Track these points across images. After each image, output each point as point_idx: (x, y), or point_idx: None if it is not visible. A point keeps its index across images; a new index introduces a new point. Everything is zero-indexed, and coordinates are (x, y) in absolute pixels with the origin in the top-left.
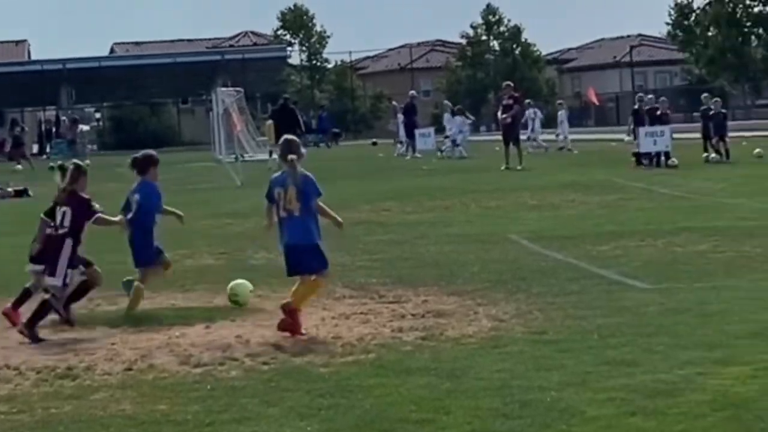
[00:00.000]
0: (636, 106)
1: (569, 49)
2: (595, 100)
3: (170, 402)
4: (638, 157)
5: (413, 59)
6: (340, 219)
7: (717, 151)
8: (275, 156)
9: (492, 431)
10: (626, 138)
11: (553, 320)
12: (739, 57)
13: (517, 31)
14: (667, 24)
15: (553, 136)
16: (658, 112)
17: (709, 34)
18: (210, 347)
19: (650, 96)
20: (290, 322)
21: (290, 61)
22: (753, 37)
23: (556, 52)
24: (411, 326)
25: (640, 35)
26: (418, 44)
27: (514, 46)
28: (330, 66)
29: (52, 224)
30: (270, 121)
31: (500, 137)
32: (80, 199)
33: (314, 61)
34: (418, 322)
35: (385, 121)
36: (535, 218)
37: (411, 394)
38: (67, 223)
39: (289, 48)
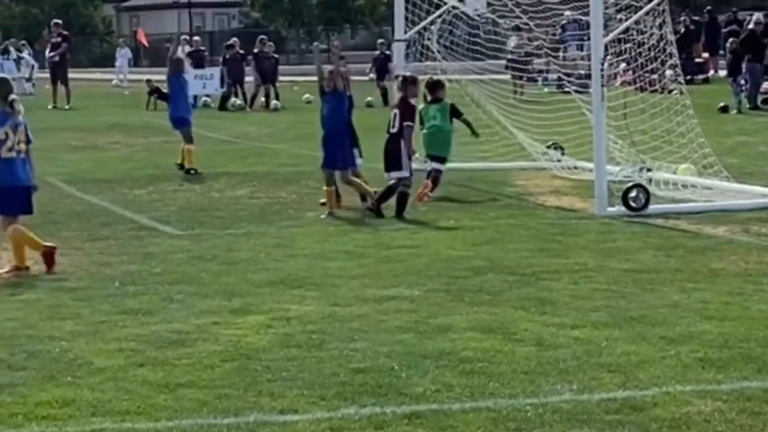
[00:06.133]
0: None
1: None
2: (144, 41)
3: None
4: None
5: None
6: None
7: (267, 95)
8: None
9: None
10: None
11: (78, 266)
12: (294, 2)
13: None
14: None
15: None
16: (227, 56)
17: None
18: None
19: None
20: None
21: None
22: None
23: None
24: None
25: None
26: None
27: None
28: None
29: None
30: None
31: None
32: (408, 105)
33: None
34: None
35: None
36: (75, 160)
37: None
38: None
39: None
